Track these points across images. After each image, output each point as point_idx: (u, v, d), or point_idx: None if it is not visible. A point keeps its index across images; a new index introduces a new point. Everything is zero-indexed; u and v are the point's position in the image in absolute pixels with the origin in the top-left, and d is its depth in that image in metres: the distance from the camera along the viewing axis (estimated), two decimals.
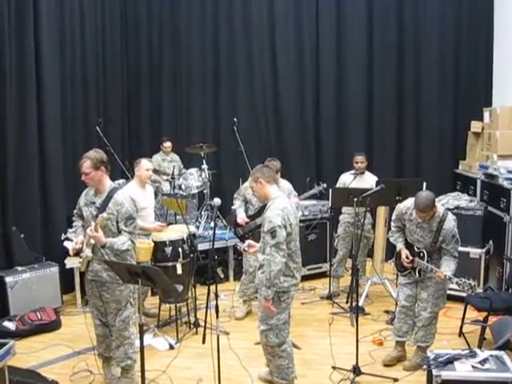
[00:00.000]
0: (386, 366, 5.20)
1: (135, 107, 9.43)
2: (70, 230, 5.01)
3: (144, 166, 6.04)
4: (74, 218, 4.87)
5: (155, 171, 7.05)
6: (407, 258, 5.05)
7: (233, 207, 6.43)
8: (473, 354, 4.27)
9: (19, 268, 6.48)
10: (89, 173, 4.50)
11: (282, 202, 4.39)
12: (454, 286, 4.81)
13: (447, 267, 4.82)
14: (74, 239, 4.73)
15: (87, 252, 4.50)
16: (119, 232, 4.52)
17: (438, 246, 4.93)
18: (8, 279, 6.23)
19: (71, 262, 6.78)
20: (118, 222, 4.51)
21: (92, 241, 4.46)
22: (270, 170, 4.57)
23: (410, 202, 5.03)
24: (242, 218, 6.36)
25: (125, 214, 4.49)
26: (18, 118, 6.70)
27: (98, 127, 7.79)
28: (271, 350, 4.53)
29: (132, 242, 4.55)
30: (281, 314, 4.42)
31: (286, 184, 6.46)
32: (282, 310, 4.42)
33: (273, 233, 4.19)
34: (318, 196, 7.39)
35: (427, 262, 4.94)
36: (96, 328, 4.81)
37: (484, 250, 6.63)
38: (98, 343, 4.86)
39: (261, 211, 6.18)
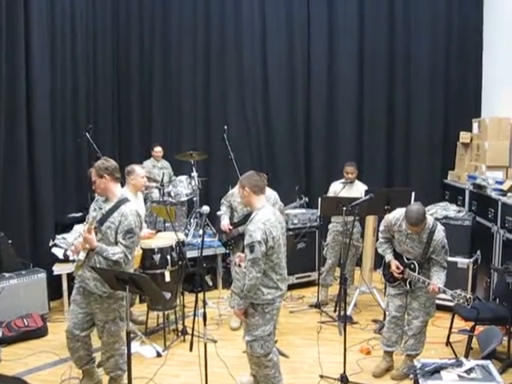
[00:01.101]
0: (375, 377, 5.19)
1: (125, 113, 9.42)
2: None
3: (140, 173, 5.96)
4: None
5: (147, 178, 7.04)
6: (397, 268, 5.06)
7: (218, 213, 6.45)
8: (459, 364, 4.28)
9: (6, 274, 6.43)
10: (94, 181, 4.58)
11: (266, 214, 4.34)
12: (442, 296, 4.82)
13: (438, 279, 4.82)
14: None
15: (80, 256, 4.48)
16: (116, 243, 4.45)
17: (427, 257, 4.95)
18: None
19: (59, 269, 6.76)
20: (117, 233, 4.44)
21: (87, 245, 4.41)
22: (258, 180, 4.49)
23: (398, 212, 5.04)
24: (224, 224, 6.39)
25: (126, 227, 4.41)
26: (7, 123, 6.67)
27: (87, 133, 7.77)
28: (257, 360, 4.49)
29: (126, 256, 4.42)
30: (266, 325, 4.39)
31: (271, 193, 6.34)
32: (267, 321, 4.38)
33: (251, 248, 4.17)
34: (304, 206, 7.42)
35: (418, 273, 4.95)
36: (67, 340, 4.68)
37: (472, 260, 6.66)
38: (71, 357, 4.78)
39: (245, 219, 6.16)
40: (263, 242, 4.18)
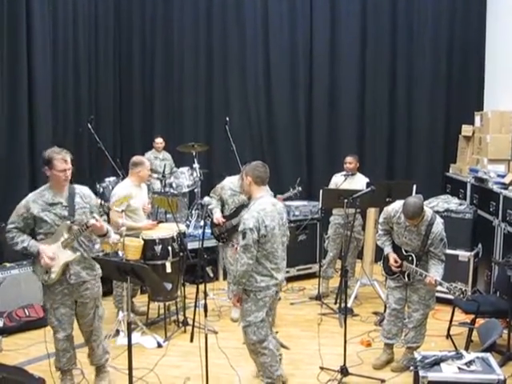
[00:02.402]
0: (376, 369, 5.20)
1: (127, 104, 9.42)
2: (19, 245, 4.37)
3: (148, 166, 6.04)
4: (12, 235, 4.42)
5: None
6: (395, 261, 5.06)
7: (209, 207, 6.41)
8: (459, 356, 4.29)
9: (8, 264, 6.44)
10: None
11: (262, 204, 4.41)
12: (443, 289, 4.82)
13: (436, 272, 4.82)
14: (43, 255, 4.34)
15: (68, 255, 4.38)
16: None
17: (426, 250, 4.94)
18: None
19: None
20: (91, 213, 4.46)
21: (69, 240, 4.36)
22: (262, 172, 4.53)
23: (398, 204, 5.03)
24: (217, 218, 6.39)
25: (96, 204, 4.55)
26: (8, 114, 6.68)
27: (89, 124, 7.76)
28: (253, 348, 4.55)
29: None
30: (258, 311, 4.44)
31: None
32: (260, 307, 4.44)
33: (243, 234, 4.29)
34: (297, 197, 7.29)
35: (416, 266, 4.95)
36: (58, 343, 4.63)
37: (473, 253, 6.66)
38: (57, 358, 4.69)
39: (237, 212, 6.26)
40: (255, 230, 4.26)
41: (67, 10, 7.89)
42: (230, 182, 6.45)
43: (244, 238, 4.27)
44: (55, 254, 4.35)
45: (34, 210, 4.36)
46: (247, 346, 4.61)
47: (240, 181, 6.09)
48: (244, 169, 4.62)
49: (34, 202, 4.39)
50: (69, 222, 4.38)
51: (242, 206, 6.27)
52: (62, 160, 4.37)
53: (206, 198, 5.24)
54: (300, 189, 6.96)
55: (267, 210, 4.38)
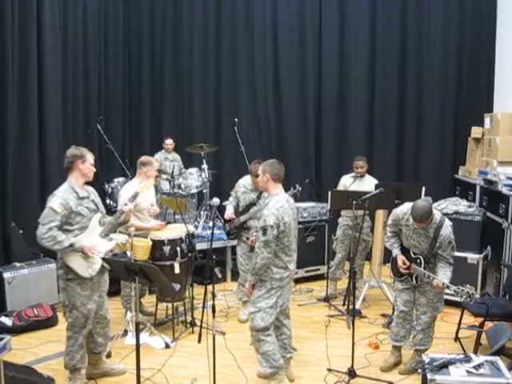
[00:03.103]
0: (383, 371, 5.19)
1: (136, 106, 9.46)
2: (64, 243, 4.38)
3: (155, 166, 6.09)
4: (54, 233, 4.40)
5: (158, 170, 7.06)
6: (404, 263, 5.05)
7: (225, 202, 6.54)
8: (468, 359, 4.27)
9: (17, 264, 6.48)
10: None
11: (280, 201, 4.57)
12: (451, 291, 4.80)
13: (444, 275, 4.80)
14: (92, 248, 4.50)
15: (108, 245, 4.71)
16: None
17: (434, 252, 4.93)
18: (6, 275, 6.24)
19: None
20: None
21: (107, 230, 4.73)
22: (279, 169, 4.71)
23: (406, 206, 5.02)
24: (228, 213, 6.50)
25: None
26: (19, 114, 6.71)
27: (98, 124, 7.79)
28: (256, 335, 4.63)
29: None
30: (269, 298, 4.58)
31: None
32: (271, 295, 4.58)
33: (264, 231, 4.45)
34: (297, 197, 7.22)
35: (424, 268, 4.93)
36: (78, 339, 4.69)
37: (482, 256, 6.62)
38: (71, 355, 4.72)
39: (247, 208, 6.36)
40: (275, 227, 4.43)
41: (77, 11, 7.93)
42: (245, 180, 6.52)
43: (265, 234, 4.44)
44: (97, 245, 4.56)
45: (72, 205, 4.48)
46: (252, 335, 4.71)
47: (251, 178, 6.21)
48: (252, 166, 4.71)
49: (68, 198, 4.48)
50: (99, 214, 4.64)
51: (251, 204, 6.36)
52: (91, 155, 4.67)
53: (215, 199, 5.25)
54: (300, 189, 6.94)
55: (285, 206, 4.55)
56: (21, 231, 6.70)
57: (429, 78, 8.70)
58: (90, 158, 4.61)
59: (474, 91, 8.59)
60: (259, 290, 4.60)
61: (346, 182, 7.03)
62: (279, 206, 4.51)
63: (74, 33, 7.89)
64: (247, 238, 4.92)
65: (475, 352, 5.07)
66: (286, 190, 6.23)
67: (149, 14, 9.29)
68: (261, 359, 4.70)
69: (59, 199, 4.42)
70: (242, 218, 6.41)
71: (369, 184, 6.82)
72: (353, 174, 7.03)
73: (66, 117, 7.70)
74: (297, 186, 6.92)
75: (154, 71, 9.41)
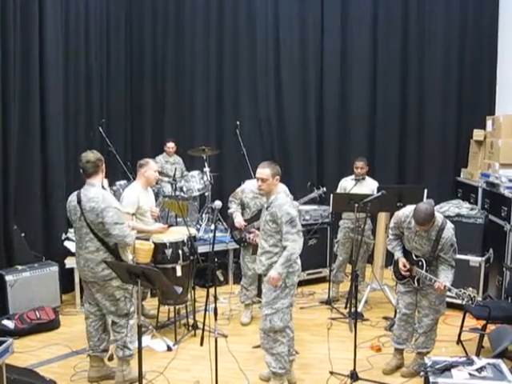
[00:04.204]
0: (386, 374, 5.19)
1: (138, 108, 9.45)
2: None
3: (153, 167, 6.01)
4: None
5: (159, 173, 7.05)
6: (404, 266, 5.04)
7: (229, 211, 6.38)
8: (470, 362, 4.27)
9: (19, 267, 6.49)
10: None
11: (286, 196, 4.80)
12: (452, 294, 4.79)
13: (445, 277, 4.79)
14: None
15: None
16: None
17: (436, 255, 4.92)
18: (8, 278, 6.24)
19: (71, 262, 6.79)
20: None
21: None
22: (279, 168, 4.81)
23: (408, 209, 5.01)
24: (239, 221, 6.28)
25: None
26: (20, 118, 6.71)
27: (100, 127, 7.80)
28: (274, 336, 4.68)
29: None
30: (285, 298, 4.64)
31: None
32: (286, 295, 4.65)
33: (293, 222, 4.57)
34: (317, 200, 7.32)
35: (426, 271, 4.93)
36: (132, 327, 4.86)
37: (484, 259, 6.62)
38: (132, 339, 4.86)
39: (258, 215, 6.21)
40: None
41: (79, 15, 7.92)
42: (251, 185, 6.35)
43: (294, 225, 4.58)
44: None
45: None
46: (266, 336, 4.72)
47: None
48: (272, 170, 4.71)
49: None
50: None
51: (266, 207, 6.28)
52: None
53: (217, 202, 5.24)
54: (324, 189, 6.98)
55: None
56: (23, 234, 6.71)
57: (431, 81, 8.71)
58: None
59: (476, 93, 8.59)
60: (274, 290, 4.63)
61: (346, 185, 7.04)
62: (288, 199, 4.74)
63: (75, 38, 7.87)
64: (248, 238, 4.90)
65: (477, 355, 5.06)
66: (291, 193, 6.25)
67: (151, 17, 9.29)
68: (271, 360, 4.72)
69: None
70: (256, 224, 6.10)
71: (369, 186, 6.82)
72: (353, 177, 7.03)
73: (68, 120, 7.70)
74: (321, 187, 6.96)
75: (156, 74, 9.41)
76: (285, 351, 4.71)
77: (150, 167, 5.97)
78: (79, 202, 4.64)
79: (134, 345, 4.64)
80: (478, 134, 8.00)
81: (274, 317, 4.64)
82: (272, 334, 4.68)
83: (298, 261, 4.70)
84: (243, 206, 6.41)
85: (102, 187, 4.79)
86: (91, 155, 4.75)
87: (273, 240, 4.67)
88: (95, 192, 4.64)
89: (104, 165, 4.83)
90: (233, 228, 6.46)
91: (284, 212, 4.56)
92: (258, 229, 6.08)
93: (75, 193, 4.78)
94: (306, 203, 7.17)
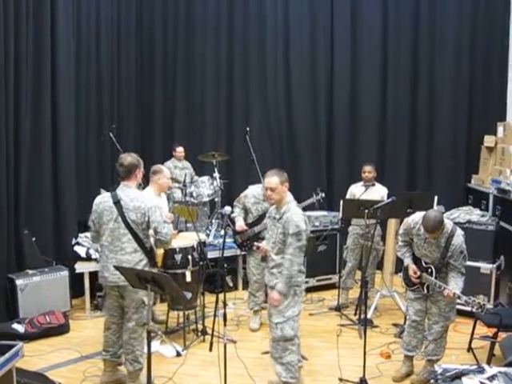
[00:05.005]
0: (395, 382, 5.16)
1: (148, 114, 9.48)
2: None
3: (167, 174, 5.98)
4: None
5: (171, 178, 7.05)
6: (414, 273, 5.02)
7: (232, 215, 6.38)
8: (481, 370, 4.22)
9: (30, 271, 6.51)
10: None
11: (297, 206, 4.69)
12: (462, 302, 4.76)
13: (455, 285, 4.76)
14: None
15: None
16: None
17: (445, 262, 4.89)
18: (18, 282, 6.27)
19: (81, 267, 6.84)
20: None
21: None
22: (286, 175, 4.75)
23: (418, 216, 4.99)
24: (240, 225, 6.39)
25: None
26: (32, 122, 6.75)
27: (111, 133, 7.83)
28: (284, 345, 4.64)
29: None
30: (294, 306, 4.62)
31: None
32: (295, 302, 4.63)
33: (298, 236, 4.48)
34: (316, 206, 7.19)
35: (435, 278, 4.90)
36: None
37: (495, 266, 6.57)
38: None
39: (259, 219, 6.27)
40: (305, 231, 4.56)
41: (90, 20, 7.97)
42: (254, 191, 6.47)
43: (300, 239, 4.49)
44: None
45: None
46: (276, 344, 4.68)
47: (263, 190, 6.08)
48: (280, 178, 4.64)
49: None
50: None
51: (265, 214, 6.29)
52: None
53: (227, 207, 5.25)
54: (323, 195, 6.91)
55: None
56: (34, 238, 6.74)
57: (441, 86, 8.68)
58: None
59: (487, 99, 8.56)
60: (285, 298, 4.60)
61: (355, 191, 7.03)
62: (300, 211, 4.64)
63: (87, 44, 7.92)
64: (258, 247, 4.85)
65: (488, 363, 5.01)
66: (300, 199, 6.25)
67: (161, 22, 9.32)
68: (281, 370, 4.68)
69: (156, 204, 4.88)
70: (257, 229, 6.34)
71: (379, 192, 6.81)
72: (361, 183, 7.02)
73: (79, 124, 7.75)
74: (319, 192, 6.89)
75: (166, 80, 9.43)
76: (295, 360, 4.68)
77: (164, 175, 5.94)
78: (116, 202, 4.64)
79: (144, 356, 4.64)
80: (488, 140, 7.96)
81: (285, 325, 4.61)
82: (282, 342, 4.64)
83: (303, 268, 4.63)
84: (246, 211, 6.48)
85: None
86: (126, 159, 4.79)
87: (282, 253, 4.59)
88: (136, 192, 4.74)
89: (140, 170, 4.86)
90: (235, 232, 6.51)
91: (293, 223, 4.49)
92: (259, 233, 6.25)
93: (107, 194, 4.80)
94: (305, 209, 7.11)
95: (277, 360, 4.71)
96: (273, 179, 4.61)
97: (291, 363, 4.66)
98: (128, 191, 4.70)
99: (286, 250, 4.52)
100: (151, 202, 4.70)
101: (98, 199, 4.83)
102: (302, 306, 4.76)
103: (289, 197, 4.70)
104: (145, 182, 6.63)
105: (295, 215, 4.53)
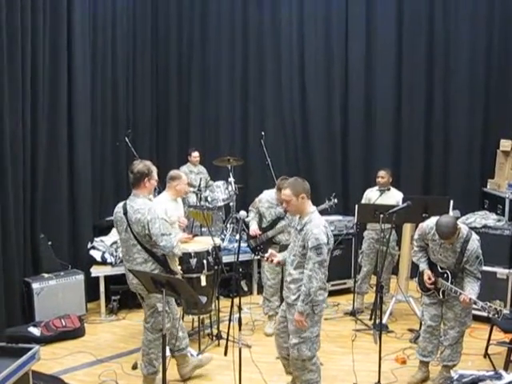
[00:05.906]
0: None
1: (164, 119, 9.55)
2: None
3: (185, 180, 5.97)
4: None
5: (188, 184, 7.05)
6: (429, 278, 4.99)
7: (246, 219, 6.37)
8: (498, 376, 4.20)
9: (46, 275, 6.56)
10: None
11: (321, 217, 4.47)
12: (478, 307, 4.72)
13: (471, 290, 4.72)
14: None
15: None
16: None
17: (461, 267, 4.86)
18: (35, 285, 6.31)
19: (96, 271, 6.88)
20: None
21: None
22: (306, 183, 4.50)
23: (433, 221, 4.95)
24: (254, 229, 6.40)
25: None
26: (48, 127, 6.82)
27: (126, 138, 7.87)
28: (301, 364, 4.47)
29: None
30: (314, 326, 4.41)
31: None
32: (315, 322, 4.41)
33: (318, 250, 4.24)
34: (328, 211, 7.18)
35: (451, 283, 4.87)
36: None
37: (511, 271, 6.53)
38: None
39: (274, 224, 6.30)
40: (327, 244, 4.31)
41: (106, 23, 8.02)
42: (268, 195, 6.47)
43: (320, 253, 4.24)
44: None
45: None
46: (294, 362, 4.51)
47: (277, 194, 6.08)
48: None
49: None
50: None
51: (278, 219, 6.32)
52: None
53: (242, 212, 5.25)
54: (336, 201, 6.88)
55: (326, 224, 4.44)
56: (50, 242, 6.79)
57: (456, 90, 8.63)
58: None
59: (503, 103, 8.48)
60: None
61: (371, 196, 7.01)
62: (324, 223, 4.39)
63: (103, 49, 7.97)
64: (267, 259, 4.76)
65: (506, 369, 4.97)
66: (316, 205, 6.23)
67: (176, 29, 9.40)
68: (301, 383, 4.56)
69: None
70: (270, 233, 6.35)
71: (394, 197, 6.78)
72: (378, 188, 7.00)
73: (96, 129, 7.80)
74: (332, 198, 6.86)
75: (181, 85, 9.50)
76: (314, 378, 4.49)
77: (183, 181, 5.91)
78: (125, 213, 4.65)
79: (159, 361, 4.65)
80: (504, 144, 7.92)
81: (302, 346, 4.39)
82: (300, 362, 4.46)
83: (323, 285, 4.35)
84: (260, 216, 6.49)
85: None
86: (137, 166, 4.74)
87: (302, 268, 4.36)
88: (140, 203, 4.63)
89: (150, 179, 4.76)
90: (248, 236, 6.53)
91: (313, 237, 4.25)
92: (273, 237, 6.26)
93: (121, 204, 4.79)
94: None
95: (297, 377, 4.58)
96: (286, 191, 4.42)
97: (309, 381, 4.50)
98: (134, 202, 4.67)
99: (306, 265, 4.29)
100: (152, 213, 4.59)
101: (116, 208, 4.86)
102: (321, 325, 4.52)
103: (311, 207, 4.47)
104: (160, 187, 6.65)
105: (316, 227, 4.30)
